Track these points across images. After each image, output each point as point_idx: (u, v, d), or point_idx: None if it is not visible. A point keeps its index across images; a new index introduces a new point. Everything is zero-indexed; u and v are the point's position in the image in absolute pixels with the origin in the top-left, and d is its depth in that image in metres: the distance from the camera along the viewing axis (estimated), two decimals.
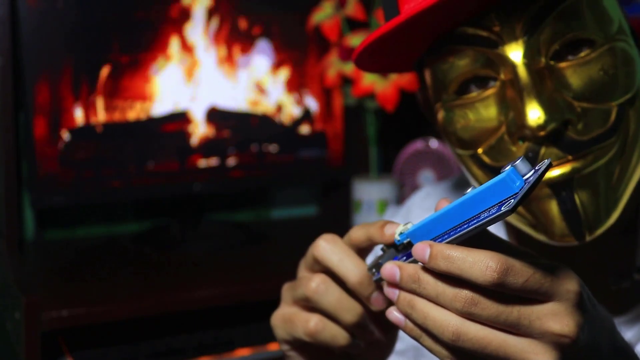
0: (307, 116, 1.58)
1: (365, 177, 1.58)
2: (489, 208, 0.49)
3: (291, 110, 1.56)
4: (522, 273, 0.49)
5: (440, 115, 0.70)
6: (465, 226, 0.50)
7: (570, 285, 0.51)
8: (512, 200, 0.46)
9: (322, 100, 1.59)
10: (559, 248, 0.71)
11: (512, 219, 0.70)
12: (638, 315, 0.73)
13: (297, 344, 0.67)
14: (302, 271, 0.66)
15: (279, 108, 1.55)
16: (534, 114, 0.62)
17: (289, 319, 0.66)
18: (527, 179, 0.48)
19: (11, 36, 1.33)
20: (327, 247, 0.63)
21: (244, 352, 1.23)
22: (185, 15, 1.47)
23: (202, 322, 1.29)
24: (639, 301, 0.73)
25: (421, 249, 0.52)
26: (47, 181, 1.37)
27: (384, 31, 0.64)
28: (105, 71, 1.41)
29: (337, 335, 0.64)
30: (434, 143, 1.61)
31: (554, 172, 0.64)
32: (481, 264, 0.49)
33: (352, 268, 0.62)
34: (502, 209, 0.47)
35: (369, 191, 1.54)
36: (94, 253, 1.45)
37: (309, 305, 0.64)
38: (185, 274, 1.32)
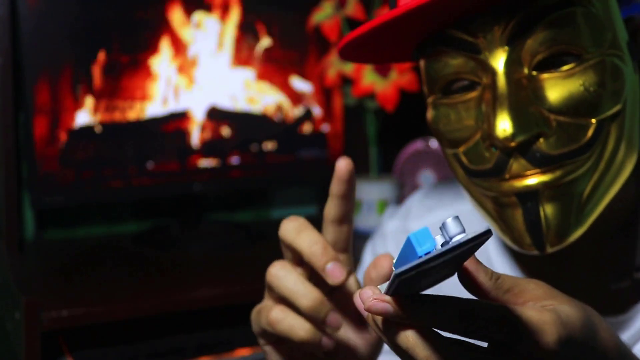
0: (307, 116, 1.58)
1: (365, 177, 1.58)
2: (401, 262, 0.46)
3: (291, 110, 1.56)
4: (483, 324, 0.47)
5: (429, 111, 0.71)
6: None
7: (545, 339, 0.48)
8: (404, 267, 0.43)
9: (322, 100, 1.59)
10: (559, 249, 0.71)
11: (487, 219, 0.70)
12: (637, 315, 0.73)
13: (268, 337, 0.67)
14: (266, 299, 0.68)
15: (279, 108, 1.55)
16: (503, 125, 0.62)
17: (259, 310, 0.66)
18: (437, 248, 0.45)
19: (11, 36, 1.33)
20: (276, 274, 0.64)
21: (243, 352, 1.23)
22: (185, 15, 1.47)
23: (202, 322, 1.29)
24: (638, 301, 0.73)
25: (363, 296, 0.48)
26: (47, 181, 1.37)
27: (368, 28, 0.64)
28: (105, 71, 1.41)
29: (295, 325, 0.63)
30: (434, 143, 1.61)
31: (523, 183, 0.64)
32: (444, 312, 0.46)
33: (302, 293, 0.62)
34: (394, 269, 0.44)
35: (369, 191, 1.54)
36: (94, 253, 1.45)
37: (275, 295, 0.64)
38: (185, 274, 1.32)
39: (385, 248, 0.91)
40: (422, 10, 0.62)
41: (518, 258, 0.80)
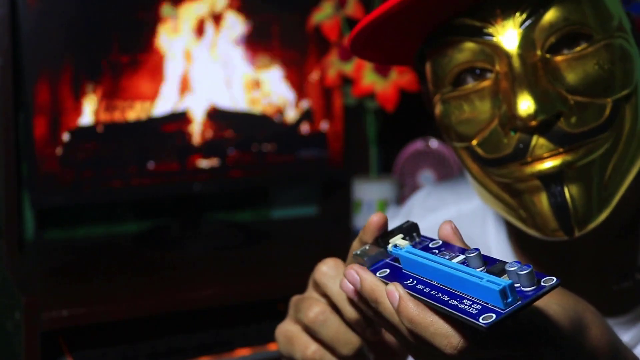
0: (307, 116, 1.58)
1: (365, 177, 1.58)
2: (474, 302, 0.47)
3: (291, 110, 1.56)
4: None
5: (438, 107, 0.70)
6: (443, 298, 0.49)
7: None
8: (492, 318, 0.45)
9: (322, 100, 1.59)
10: (559, 249, 0.71)
11: (503, 212, 0.70)
12: (638, 316, 0.73)
13: None
14: (310, 289, 0.65)
15: (279, 108, 1.55)
16: (525, 104, 0.62)
17: (290, 338, 0.65)
18: (519, 300, 0.46)
19: (11, 36, 1.33)
20: (328, 274, 0.62)
21: (243, 352, 1.23)
22: (185, 15, 1.47)
23: (202, 322, 1.29)
24: None
25: (392, 294, 0.51)
26: (47, 181, 1.37)
27: (378, 14, 0.64)
28: (105, 71, 1.41)
29: None
30: (434, 143, 1.61)
31: (546, 164, 0.64)
32: (443, 337, 0.49)
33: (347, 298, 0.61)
34: (480, 320, 0.45)
35: (369, 191, 1.54)
36: (94, 253, 1.45)
37: (309, 331, 0.63)
38: (185, 274, 1.32)
39: None
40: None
41: (520, 257, 0.79)
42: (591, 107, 0.64)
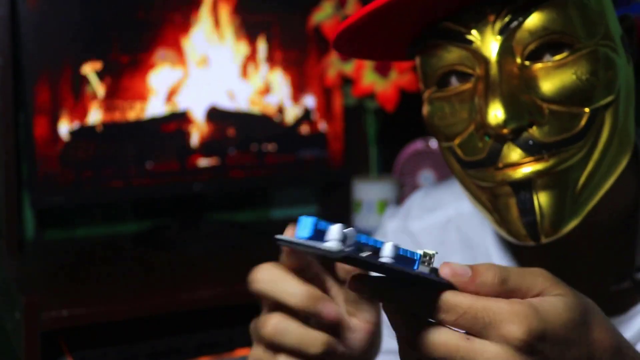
0: (307, 116, 1.58)
1: (365, 177, 1.58)
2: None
3: (291, 110, 1.56)
4: (454, 309, 0.49)
5: (425, 106, 0.71)
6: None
7: (510, 329, 0.49)
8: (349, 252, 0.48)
9: (322, 100, 1.59)
10: (557, 249, 0.71)
11: (481, 212, 0.70)
12: (637, 316, 0.73)
13: (274, 347, 0.64)
14: (263, 308, 0.65)
15: (279, 108, 1.55)
16: (495, 112, 0.62)
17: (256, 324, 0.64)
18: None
19: (11, 36, 1.33)
20: (266, 279, 0.62)
21: (243, 352, 1.23)
22: (185, 15, 1.47)
23: (202, 322, 1.29)
24: (639, 301, 0.73)
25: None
26: (47, 181, 1.37)
27: (360, 15, 0.64)
28: (105, 71, 1.41)
29: (289, 329, 0.61)
30: (434, 143, 1.61)
31: (516, 172, 0.64)
32: (417, 299, 0.50)
33: (291, 292, 0.60)
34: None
35: (369, 191, 1.54)
36: (94, 253, 1.46)
37: (274, 346, 0.62)
38: (185, 274, 1.32)
39: None
40: (409, 2, 0.62)
41: (517, 256, 0.80)
42: (566, 117, 0.64)
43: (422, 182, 1.61)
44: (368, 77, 1.46)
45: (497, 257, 0.81)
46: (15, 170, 1.35)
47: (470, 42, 0.65)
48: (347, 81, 1.52)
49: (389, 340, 0.89)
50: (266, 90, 1.54)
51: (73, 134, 1.39)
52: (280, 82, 1.55)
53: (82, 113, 1.40)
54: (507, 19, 0.64)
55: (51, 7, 1.35)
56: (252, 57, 1.52)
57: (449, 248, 0.87)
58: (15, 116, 1.36)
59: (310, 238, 0.47)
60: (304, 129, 1.58)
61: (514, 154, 0.64)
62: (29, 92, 1.34)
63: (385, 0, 0.62)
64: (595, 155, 0.65)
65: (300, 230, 0.48)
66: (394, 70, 1.46)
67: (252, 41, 1.52)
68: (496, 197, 0.67)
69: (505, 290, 0.51)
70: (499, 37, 0.64)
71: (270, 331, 0.61)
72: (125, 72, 1.42)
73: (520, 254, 0.79)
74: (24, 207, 1.50)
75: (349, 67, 1.48)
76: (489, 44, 0.64)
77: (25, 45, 1.34)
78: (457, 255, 0.86)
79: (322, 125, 1.59)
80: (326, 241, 0.47)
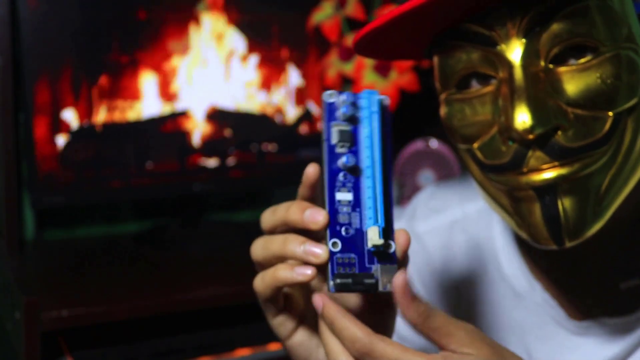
0: (307, 116, 1.58)
1: None
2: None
3: (291, 110, 1.56)
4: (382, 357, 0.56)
5: (443, 107, 0.70)
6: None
7: None
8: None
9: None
10: (567, 249, 0.71)
11: (501, 214, 0.70)
12: None
13: (276, 302, 0.69)
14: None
15: (279, 108, 1.55)
16: (522, 117, 0.62)
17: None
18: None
19: (11, 36, 1.33)
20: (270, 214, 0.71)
21: (244, 352, 1.23)
22: (185, 15, 1.47)
23: (202, 322, 1.29)
24: None
25: (317, 302, 0.60)
26: (47, 181, 1.37)
27: (384, 21, 0.64)
28: (105, 71, 1.41)
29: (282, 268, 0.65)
30: (434, 143, 1.61)
31: (541, 176, 0.64)
32: (348, 339, 0.57)
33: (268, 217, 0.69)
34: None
35: None
36: (94, 253, 1.45)
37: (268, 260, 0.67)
38: (185, 274, 1.32)
39: None
40: (437, 3, 0.62)
41: (527, 258, 0.79)
42: (591, 121, 0.64)
43: (422, 182, 1.61)
44: (368, 77, 1.46)
45: (505, 258, 0.81)
46: (15, 170, 1.35)
47: (494, 44, 0.65)
48: (347, 81, 1.52)
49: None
50: (266, 90, 1.54)
51: (73, 133, 1.39)
52: (280, 82, 1.55)
53: (82, 113, 1.39)
54: (531, 22, 0.63)
55: (51, 7, 1.35)
56: (252, 57, 1.52)
57: (455, 250, 0.86)
58: (15, 116, 1.36)
59: None
60: (304, 129, 1.58)
61: (539, 159, 0.64)
62: (29, 92, 1.34)
63: (407, 8, 0.62)
64: (619, 158, 0.65)
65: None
66: (394, 70, 1.46)
67: (252, 41, 1.52)
68: (518, 201, 0.66)
69: (427, 327, 0.57)
70: (523, 41, 0.64)
71: (258, 245, 0.70)
72: (125, 72, 1.42)
73: (530, 255, 0.79)
74: (24, 207, 1.50)
75: (349, 67, 1.48)
76: (513, 46, 0.64)
77: (25, 45, 1.34)
78: (463, 257, 0.86)
79: None
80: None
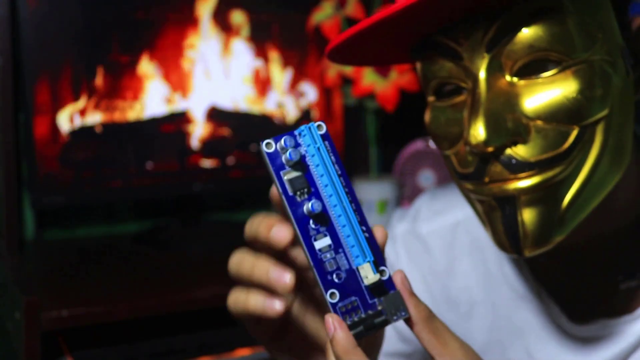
0: (307, 116, 1.58)
1: (365, 177, 1.58)
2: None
3: (291, 110, 1.56)
4: None
5: (426, 112, 0.71)
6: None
7: None
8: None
9: (322, 100, 1.59)
10: (565, 249, 0.71)
11: (480, 221, 0.71)
12: None
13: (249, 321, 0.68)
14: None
15: (279, 108, 1.55)
16: (477, 131, 0.62)
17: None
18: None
19: (11, 36, 1.33)
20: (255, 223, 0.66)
21: (244, 352, 1.23)
22: (185, 15, 1.47)
23: (202, 322, 1.29)
24: None
25: (329, 325, 0.54)
26: (47, 181, 1.37)
27: (355, 31, 0.65)
28: (105, 71, 1.41)
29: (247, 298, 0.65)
30: (434, 143, 1.61)
31: (501, 188, 0.64)
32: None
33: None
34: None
35: (369, 191, 1.54)
36: (94, 253, 1.45)
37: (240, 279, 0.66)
38: (185, 274, 1.32)
39: (394, 251, 0.91)
40: (403, 16, 0.61)
41: (528, 259, 0.79)
42: (552, 134, 0.63)
43: (422, 182, 1.61)
44: (368, 77, 1.46)
45: (508, 259, 0.81)
46: (15, 170, 1.35)
47: (460, 57, 0.65)
48: (347, 81, 1.52)
49: (392, 343, 0.89)
50: (266, 90, 1.54)
51: (73, 133, 1.39)
52: (280, 82, 1.55)
53: (82, 113, 1.40)
54: (495, 35, 0.63)
55: (51, 7, 1.35)
56: (252, 57, 1.52)
57: (458, 251, 0.86)
58: (15, 116, 1.36)
59: None
60: None
61: (498, 171, 0.64)
62: (29, 92, 1.34)
63: (377, 19, 0.62)
64: (584, 172, 0.64)
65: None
66: (394, 70, 1.46)
67: (252, 41, 1.52)
68: (486, 209, 0.67)
69: (429, 327, 0.55)
70: (487, 54, 0.63)
71: (233, 262, 0.67)
72: (125, 72, 1.42)
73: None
74: (24, 207, 1.50)
75: (349, 67, 1.48)
76: (477, 60, 0.64)
77: (25, 45, 1.34)
78: (467, 258, 0.86)
79: None
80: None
